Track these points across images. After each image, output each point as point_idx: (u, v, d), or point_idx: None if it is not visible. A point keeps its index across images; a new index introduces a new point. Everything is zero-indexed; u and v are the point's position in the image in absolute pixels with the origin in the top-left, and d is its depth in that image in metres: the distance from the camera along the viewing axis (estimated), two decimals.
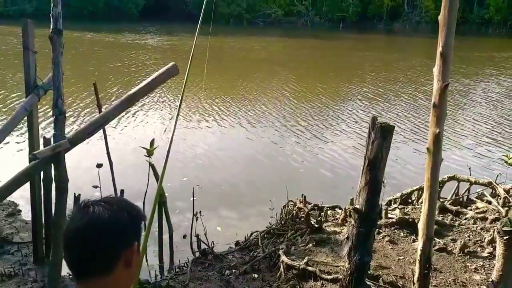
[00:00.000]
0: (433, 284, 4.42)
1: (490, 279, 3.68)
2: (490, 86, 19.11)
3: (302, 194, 6.42)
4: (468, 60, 25.92)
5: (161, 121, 11.90)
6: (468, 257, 5.07)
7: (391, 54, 29.87)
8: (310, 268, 4.69)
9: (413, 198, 6.69)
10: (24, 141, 8.63)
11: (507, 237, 3.39)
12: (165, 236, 5.39)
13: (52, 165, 4.22)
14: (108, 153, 5.17)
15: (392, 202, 6.69)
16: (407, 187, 6.99)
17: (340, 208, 6.48)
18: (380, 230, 5.62)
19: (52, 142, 4.17)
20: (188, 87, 14.36)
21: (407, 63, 24.78)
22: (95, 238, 1.28)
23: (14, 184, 4.11)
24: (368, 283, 4.15)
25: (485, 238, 5.37)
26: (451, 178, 6.57)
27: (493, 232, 5.15)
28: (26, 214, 6.18)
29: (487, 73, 22.51)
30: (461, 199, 6.53)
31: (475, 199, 6.52)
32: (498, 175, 6.68)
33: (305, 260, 4.78)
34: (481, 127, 12.36)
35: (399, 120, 12.66)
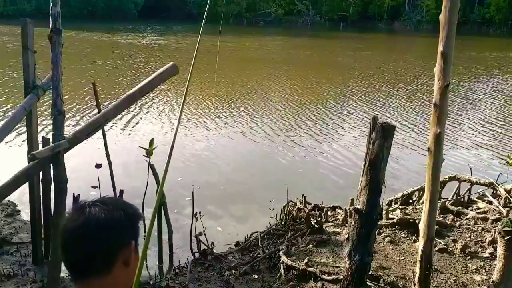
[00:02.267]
0: (434, 285, 4.40)
1: (491, 280, 3.67)
2: (489, 85, 19.09)
3: (303, 195, 6.40)
4: (470, 60, 25.90)
5: (160, 121, 11.89)
6: (469, 257, 5.06)
7: (388, 54, 29.81)
8: (310, 269, 4.67)
9: (414, 199, 6.67)
10: (23, 141, 8.60)
11: (508, 237, 3.37)
12: (165, 237, 5.36)
13: (51, 165, 4.20)
14: (107, 153, 5.15)
15: (393, 203, 6.67)
16: (408, 187, 6.97)
17: (340, 209, 6.46)
18: (381, 231, 5.61)
19: (51, 142, 4.15)
20: (181, 88, 14.42)
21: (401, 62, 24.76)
22: (91, 238, 1.27)
23: (13, 184, 4.10)
24: (368, 283, 4.14)
25: (486, 238, 5.36)
26: (452, 178, 6.56)
27: (494, 232, 5.13)
28: (25, 214, 6.16)
29: (487, 72, 22.48)
30: (462, 200, 6.52)
31: (476, 199, 6.50)
32: (499, 175, 6.66)
33: (305, 261, 4.76)
34: (482, 127, 12.34)
35: (399, 119, 12.64)
